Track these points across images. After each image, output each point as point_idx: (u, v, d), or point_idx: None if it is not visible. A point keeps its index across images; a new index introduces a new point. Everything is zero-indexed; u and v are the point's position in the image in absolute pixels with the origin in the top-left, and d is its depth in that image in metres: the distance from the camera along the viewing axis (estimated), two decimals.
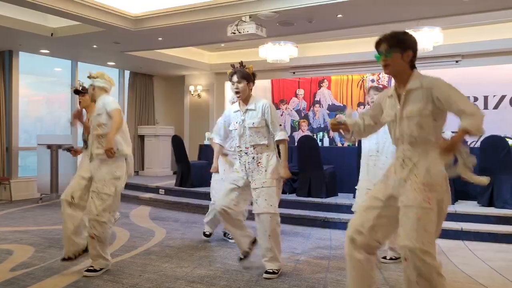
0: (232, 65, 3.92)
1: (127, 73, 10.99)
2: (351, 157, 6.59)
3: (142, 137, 10.96)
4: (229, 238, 5.08)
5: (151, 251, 4.71)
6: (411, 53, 2.53)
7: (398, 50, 2.51)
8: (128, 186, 9.11)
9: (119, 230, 5.76)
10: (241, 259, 3.94)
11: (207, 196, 7.60)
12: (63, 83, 9.85)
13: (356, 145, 6.22)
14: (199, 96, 11.28)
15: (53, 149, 8.17)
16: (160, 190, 8.33)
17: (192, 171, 8.15)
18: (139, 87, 11.15)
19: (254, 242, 3.94)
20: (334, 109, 9.51)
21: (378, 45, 2.61)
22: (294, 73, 9.98)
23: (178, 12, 6.35)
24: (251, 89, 3.90)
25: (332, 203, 6.40)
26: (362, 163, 4.41)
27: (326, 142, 8.12)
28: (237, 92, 3.82)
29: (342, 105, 9.61)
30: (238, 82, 3.79)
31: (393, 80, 2.63)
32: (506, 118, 8.07)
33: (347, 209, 6.16)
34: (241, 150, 3.90)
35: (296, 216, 6.17)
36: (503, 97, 8.21)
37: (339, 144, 9.41)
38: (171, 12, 6.39)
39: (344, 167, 7.07)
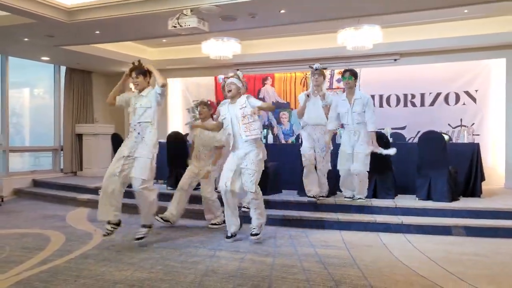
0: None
1: (63, 69, 10.43)
2: (295, 154, 6.57)
3: (80, 136, 10.43)
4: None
5: (88, 255, 4.46)
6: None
7: (354, 77, 5.81)
8: (65, 187, 8.69)
9: (53, 233, 5.44)
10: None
11: None
12: None
13: (300, 141, 6.30)
14: None
15: None
16: (99, 191, 7.92)
17: None
18: (76, 84, 10.61)
19: None
20: (278, 107, 9.49)
21: (345, 72, 5.91)
22: (237, 70, 9.86)
23: (116, 4, 6.06)
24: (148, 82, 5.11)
25: (277, 200, 6.35)
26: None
27: (270, 139, 8.11)
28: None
29: (286, 102, 9.63)
30: None
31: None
32: (441, 115, 8.39)
33: (292, 206, 6.18)
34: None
35: (240, 214, 6.07)
36: (438, 95, 8.52)
37: (283, 141, 9.45)
38: (109, 3, 6.09)
39: (288, 164, 7.04)
